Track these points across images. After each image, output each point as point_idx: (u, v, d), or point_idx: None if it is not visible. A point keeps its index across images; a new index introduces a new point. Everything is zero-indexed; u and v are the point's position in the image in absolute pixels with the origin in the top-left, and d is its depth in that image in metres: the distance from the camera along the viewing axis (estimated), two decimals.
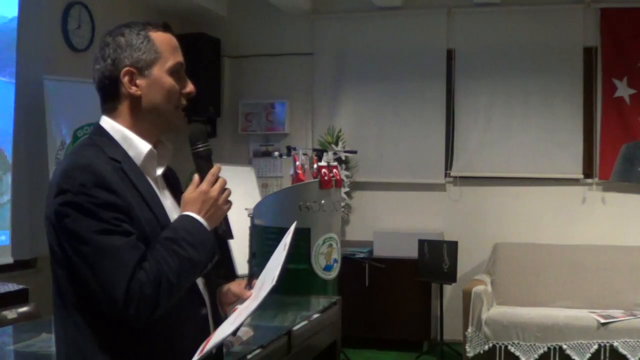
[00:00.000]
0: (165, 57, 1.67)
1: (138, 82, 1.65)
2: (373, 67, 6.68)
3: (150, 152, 1.67)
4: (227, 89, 7.08)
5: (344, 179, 6.48)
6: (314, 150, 5.18)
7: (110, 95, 1.68)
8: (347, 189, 6.61)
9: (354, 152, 6.09)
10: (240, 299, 1.75)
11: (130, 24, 1.69)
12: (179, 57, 1.70)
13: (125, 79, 1.64)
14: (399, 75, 6.62)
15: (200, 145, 1.72)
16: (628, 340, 5.08)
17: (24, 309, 3.47)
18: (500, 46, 6.39)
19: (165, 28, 1.71)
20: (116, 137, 1.65)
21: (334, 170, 4.82)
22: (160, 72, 1.66)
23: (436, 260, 5.84)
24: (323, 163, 4.79)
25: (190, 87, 1.72)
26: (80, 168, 1.54)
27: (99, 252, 1.50)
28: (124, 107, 1.67)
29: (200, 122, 6.93)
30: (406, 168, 6.60)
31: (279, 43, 6.96)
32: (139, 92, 1.65)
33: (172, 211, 1.69)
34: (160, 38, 1.68)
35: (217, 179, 1.67)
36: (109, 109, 1.68)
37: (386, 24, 6.66)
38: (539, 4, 6.32)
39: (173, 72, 1.68)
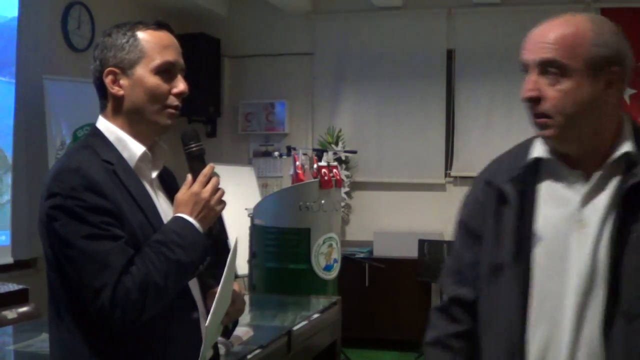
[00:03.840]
0: (151, 56, 1.62)
1: (121, 82, 1.62)
2: (373, 67, 6.68)
3: (143, 154, 1.65)
4: (227, 89, 7.08)
5: (344, 179, 6.48)
6: (314, 150, 5.17)
7: (101, 95, 1.67)
8: (347, 189, 6.61)
9: (354, 152, 6.09)
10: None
11: (121, 24, 1.66)
12: (169, 56, 1.64)
13: (108, 79, 1.62)
14: (398, 75, 6.62)
15: (192, 145, 1.69)
16: None
17: (24, 309, 3.46)
18: (500, 46, 6.38)
19: (158, 26, 1.67)
20: (111, 138, 1.64)
21: (334, 170, 4.81)
22: (143, 72, 1.62)
23: (436, 260, 5.83)
24: (323, 163, 4.79)
25: (180, 87, 1.66)
26: (71, 171, 1.53)
27: (86, 257, 1.49)
28: (110, 107, 1.66)
29: (198, 122, 6.94)
30: (406, 168, 6.60)
31: (279, 43, 6.96)
32: (121, 92, 1.63)
33: (167, 213, 1.66)
34: (149, 37, 1.64)
35: (209, 179, 1.65)
36: (102, 108, 1.68)
37: (386, 24, 6.66)
38: (539, 4, 6.31)
39: (160, 71, 1.63)
